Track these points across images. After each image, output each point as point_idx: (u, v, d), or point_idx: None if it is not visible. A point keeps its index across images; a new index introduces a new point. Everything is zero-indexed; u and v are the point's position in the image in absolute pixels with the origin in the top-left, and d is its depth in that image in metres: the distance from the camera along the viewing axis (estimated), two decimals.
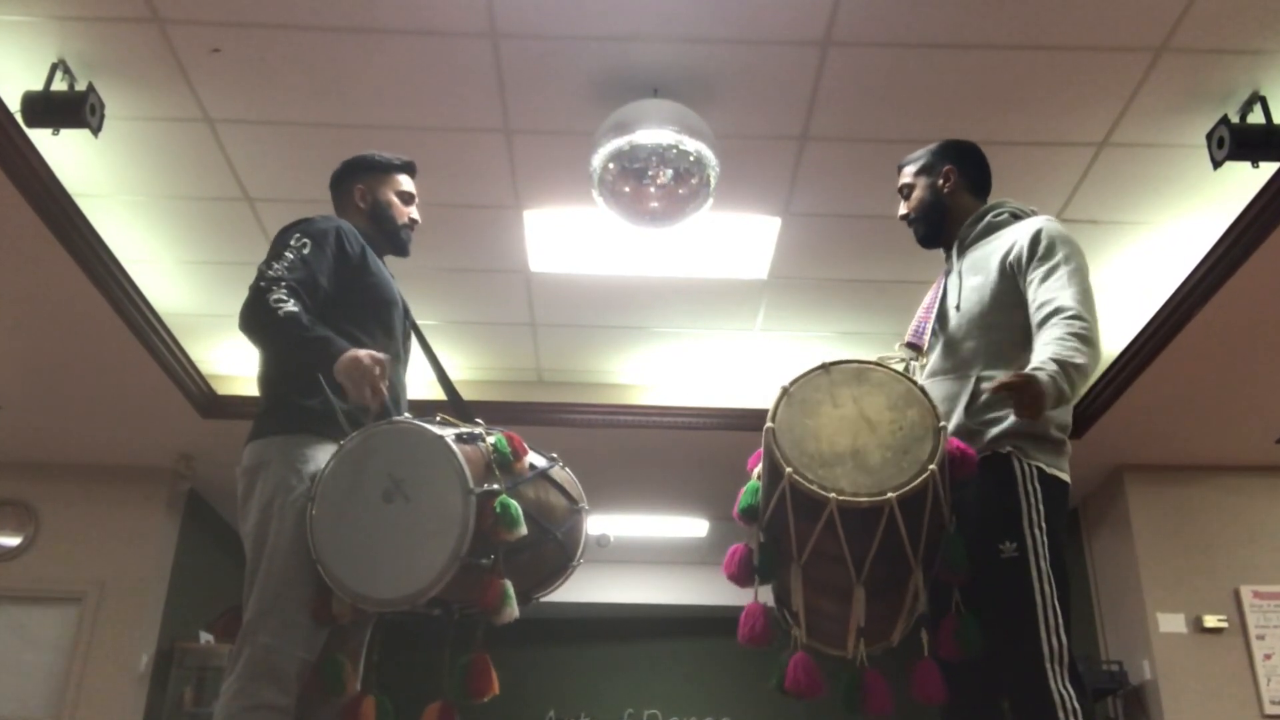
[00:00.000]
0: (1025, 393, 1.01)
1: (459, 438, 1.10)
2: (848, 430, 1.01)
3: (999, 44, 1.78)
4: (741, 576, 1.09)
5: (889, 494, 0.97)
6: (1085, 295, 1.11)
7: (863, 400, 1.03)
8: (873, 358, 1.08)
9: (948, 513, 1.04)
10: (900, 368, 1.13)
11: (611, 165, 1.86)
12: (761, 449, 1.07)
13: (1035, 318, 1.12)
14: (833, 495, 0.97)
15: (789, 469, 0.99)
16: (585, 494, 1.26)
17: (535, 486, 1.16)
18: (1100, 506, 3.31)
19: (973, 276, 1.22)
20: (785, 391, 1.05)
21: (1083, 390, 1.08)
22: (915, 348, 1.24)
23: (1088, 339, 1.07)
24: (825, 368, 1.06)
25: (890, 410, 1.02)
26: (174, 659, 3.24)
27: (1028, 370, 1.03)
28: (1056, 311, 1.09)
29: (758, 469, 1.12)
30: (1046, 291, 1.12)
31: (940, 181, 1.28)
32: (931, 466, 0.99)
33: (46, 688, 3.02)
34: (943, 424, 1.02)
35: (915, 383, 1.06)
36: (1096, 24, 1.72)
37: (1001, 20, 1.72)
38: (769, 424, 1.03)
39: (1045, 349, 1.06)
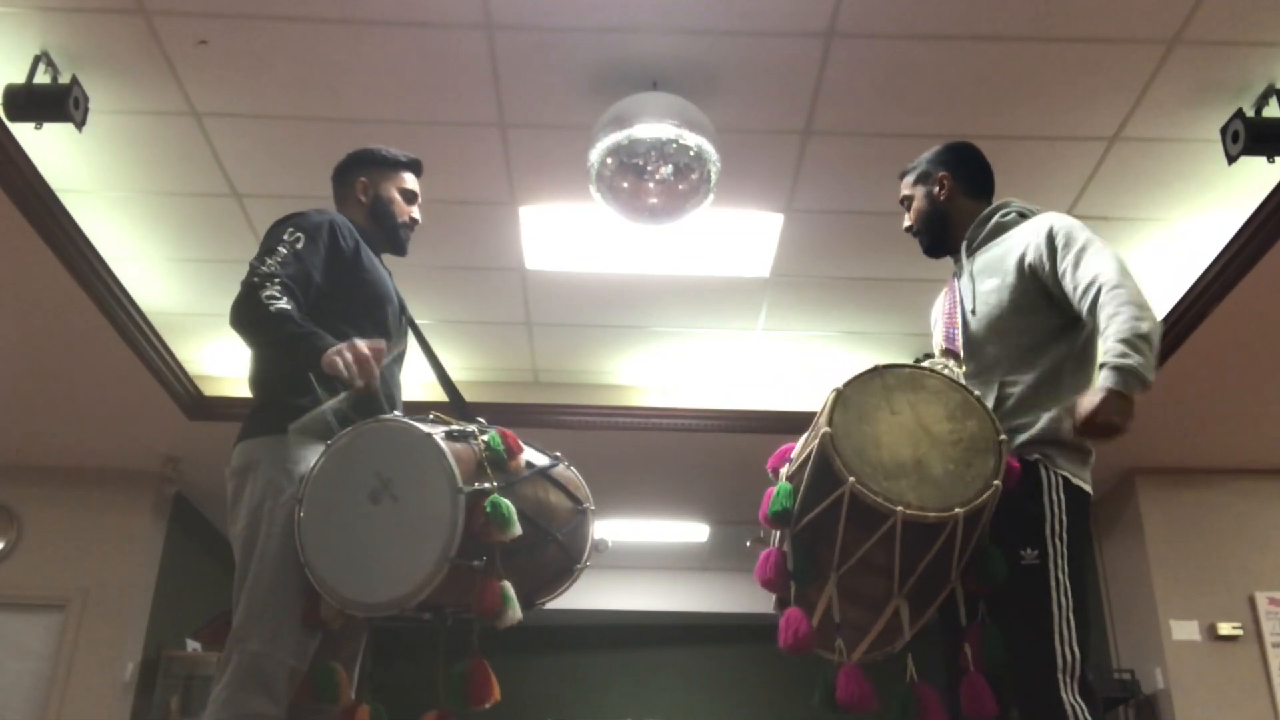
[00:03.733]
0: (1098, 424, 0.99)
1: (449, 435, 1.07)
2: (908, 439, 0.98)
3: (1008, 36, 1.74)
4: (777, 582, 1.04)
5: (956, 509, 0.94)
6: (1118, 265, 1.09)
7: (920, 408, 0.99)
8: (923, 363, 1.05)
9: (988, 525, 1.01)
10: (952, 375, 1.08)
11: (609, 160, 1.82)
12: (803, 449, 1.03)
13: (1082, 305, 1.10)
14: (900, 509, 0.94)
15: (852, 478, 0.96)
16: None
17: (534, 485, 1.12)
18: (1112, 511, 3.27)
19: (987, 280, 1.19)
20: (839, 394, 1.01)
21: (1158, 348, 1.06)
22: (953, 354, 1.20)
23: (1138, 302, 1.04)
24: (878, 371, 1.03)
25: (949, 420, 0.99)
26: (160, 667, 3.19)
27: (1099, 382, 1.00)
28: (1099, 289, 1.07)
29: (784, 469, 1.07)
30: (1086, 273, 1.10)
31: (936, 190, 1.26)
32: (996, 482, 0.96)
33: (29, 697, 2.97)
34: (1003, 437, 0.99)
35: (971, 391, 1.03)
36: (1108, 16, 1.69)
37: (1010, 11, 1.69)
38: (825, 428, 0.99)
39: (1108, 333, 1.04)
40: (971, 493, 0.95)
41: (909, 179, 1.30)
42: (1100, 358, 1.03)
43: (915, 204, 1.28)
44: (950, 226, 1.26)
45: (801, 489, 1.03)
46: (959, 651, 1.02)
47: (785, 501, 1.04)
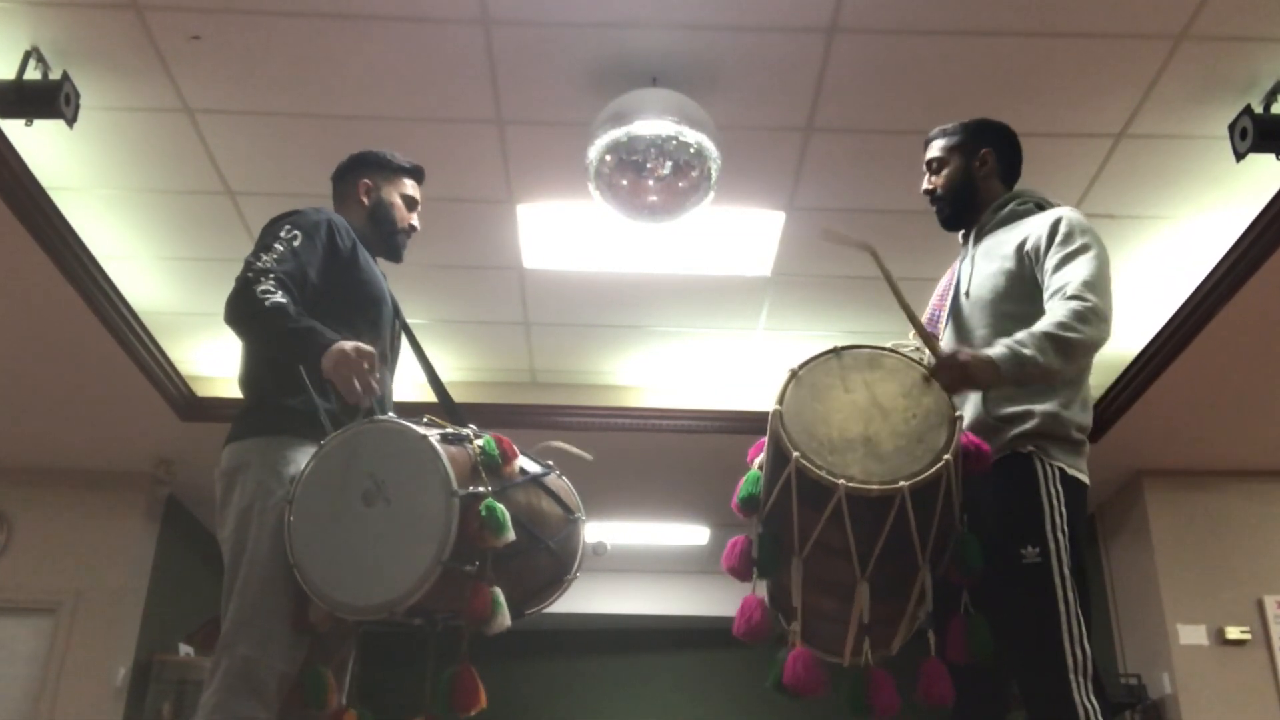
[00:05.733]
0: (948, 371, 0.99)
1: (444, 438, 1.06)
2: (859, 416, 0.97)
3: (1012, 31, 1.72)
4: (741, 569, 1.04)
5: (901, 482, 0.92)
6: (1097, 278, 1.07)
7: (875, 386, 0.99)
8: (887, 344, 1.04)
9: (958, 510, 0.99)
10: (915, 355, 1.07)
11: (608, 157, 1.80)
12: (766, 435, 1.03)
13: (1047, 305, 1.09)
14: (842, 482, 0.93)
15: (796, 454, 0.95)
16: (581, 500, 1.21)
17: (527, 492, 1.12)
18: (1118, 513, 3.24)
19: (986, 263, 1.18)
20: (794, 374, 1.02)
21: (1076, 365, 1.06)
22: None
23: (1083, 315, 1.03)
24: (836, 352, 1.03)
25: (904, 397, 0.98)
26: (152, 672, 3.16)
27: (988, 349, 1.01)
28: (1059, 293, 1.07)
29: (759, 459, 1.07)
30: (1060, 278, 1.09)
31: (977, 164, 1.23)
32: (946, 456, 0.94)
33: (20, 701, 2.94)
34: (958, 413, 0.98)
35: (929, 369, 1.02)
36: (1114, 10, 1.67)
37: (1015, 6, 1.67)
38: (776, 407, 0.99)
39: (1036, 325, 1.04)
40: (918, 466, 0.93)
41: (943, 143, 1.25)
42: (1011, 336, 1.02)
43: (949, 171, 1.24)
44: (976, 204, 1.23)
45: (764, 472, 1.03)
46: (941, 638, 1.00)
47: (751, 487, 1.05)
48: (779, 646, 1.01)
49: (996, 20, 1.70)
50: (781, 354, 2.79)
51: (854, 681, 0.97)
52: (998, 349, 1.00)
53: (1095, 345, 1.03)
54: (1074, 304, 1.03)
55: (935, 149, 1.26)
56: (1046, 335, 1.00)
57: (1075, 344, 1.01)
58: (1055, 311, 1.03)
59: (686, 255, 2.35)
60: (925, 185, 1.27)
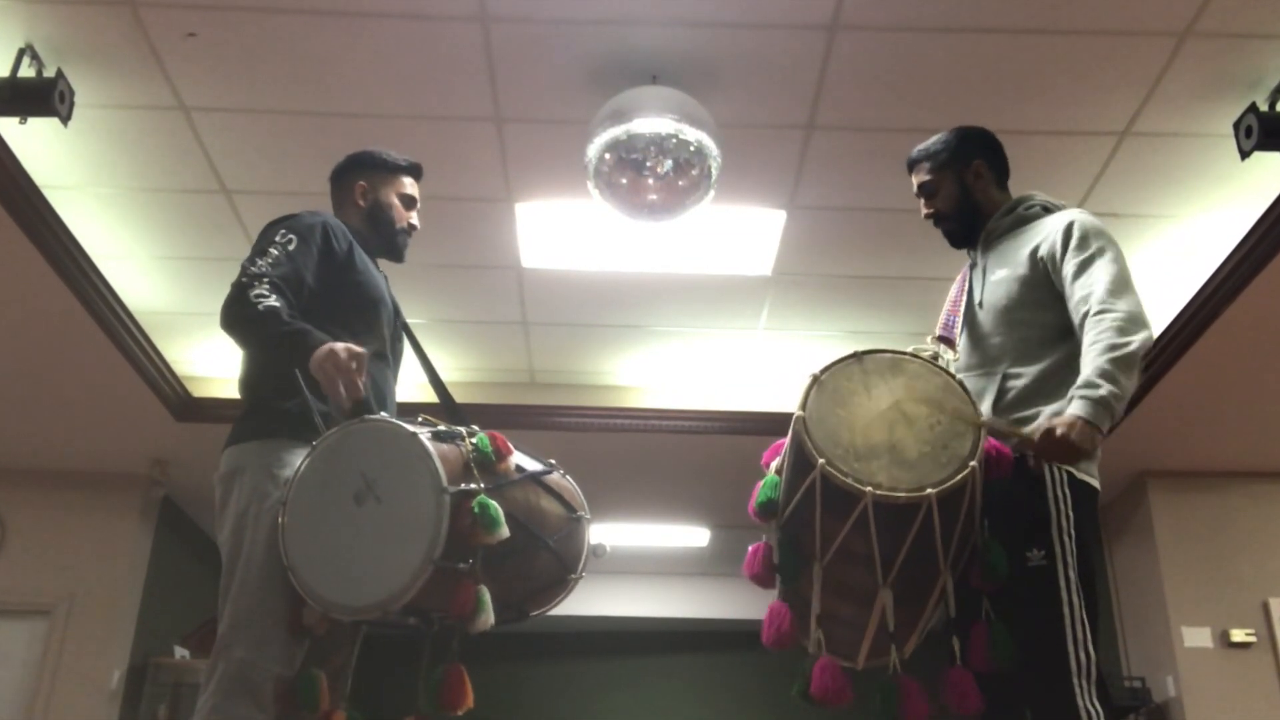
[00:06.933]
0: (1052, 448, 0.99)
1: (435, 435, 1.05)
2: (883, 422, 0.97)
3: (1015, 28, 1.71)
4: (764, 576, 1.04)
5: (929, 490, 0.92)
6: (1120, 282, 1.07)
7: (898, 392, 0.99)
8: (906, 349, 1.03)
9: (979, 516, 0.99)
10: (932, 361, 1.07)
11: (608, 155, 1.79)
12: (787, 440, 1.03)
13: (1075, 316, 1.09)
14: (869, 489, 0.92)
15: (822, 460, 0.95)
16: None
17: (524, 490, 1.10)
18: (1122, 515, 3.23)
19: (998, 271, 1.18)
20: (816, 379, 1.01)
21: (1140, 375, 1.07)
22: (947, 341, 1.20)
23: (1123, 327, 1.03)
24: (858, 356, 1.02)
25: (927, 404, 0.98)
26: (147, 675, 3.15)
27: (1066, 408, 1.00)
28: (1089, 309, 1.07)
29: (775, 463, 1.07)
30: (1082, 287, 1.09)
31: (971, 177, 1.23)
32: (973, 463, 0.95)
33: (13, 705, 2.93)
34: (983, 420, 0.98)
35: (952, 375, 1.02)
36: (1118, 7, 1.67)
37: (1018, 3, 1.66)
38: (799, 412, 0.99)
39: (1085, 361, 1.04)
40: (945, 474, 0.93)
41: (929, 165, 1.24)
42: (1074, 386, 1.02)
43: (946, 190, 1.23)
44: (980, 216, 1.23)
45: (783, 478, 1.03)
46: (963, 645, 0.99)
47: (770, 492, 1.04)
48: (803, 653, 1.00)
49: (999, 17, 1.69)
50: (783, 354, 2.77)
51: (885, 691, 0.96)
52: (1081, 406, 0.99)
53: (1146, 346, 1.03)
54: (1109, 319, 1.03)
55: (922, 173, 1.25)
56: (1114, 364, 1.00)
57: (1131, 359, 1.00)
58: (1095, 339, 1.02)
59: (686, 254, 2.34)
60: (925, 211, 1.25)
